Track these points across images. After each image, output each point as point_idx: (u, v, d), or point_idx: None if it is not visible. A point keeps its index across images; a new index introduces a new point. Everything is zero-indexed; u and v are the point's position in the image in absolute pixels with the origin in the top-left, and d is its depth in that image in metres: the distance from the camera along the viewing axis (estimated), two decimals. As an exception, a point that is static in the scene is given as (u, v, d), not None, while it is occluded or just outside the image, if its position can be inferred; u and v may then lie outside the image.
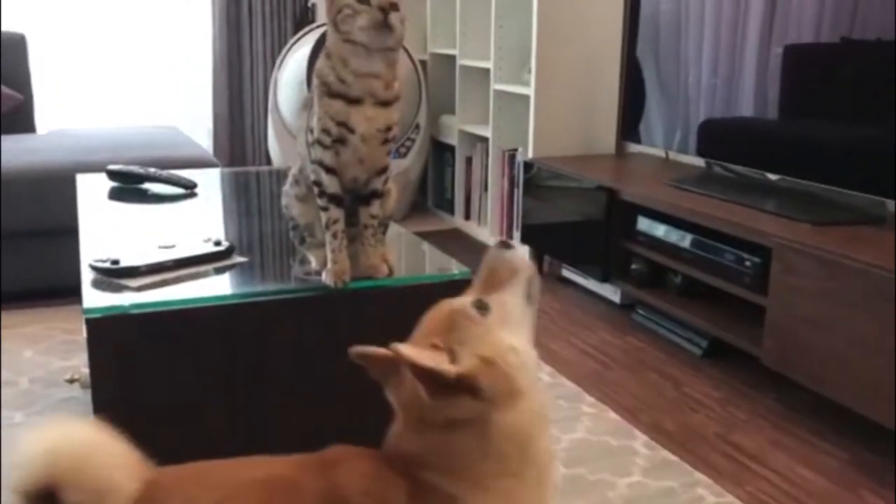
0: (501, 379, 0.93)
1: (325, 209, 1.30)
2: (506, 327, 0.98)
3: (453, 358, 0.94)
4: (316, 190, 1.30)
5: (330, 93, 1.24)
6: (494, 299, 1.00)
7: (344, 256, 1.31)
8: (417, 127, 3.92)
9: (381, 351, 1.01)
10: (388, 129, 1.27)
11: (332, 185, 1.28)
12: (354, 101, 1.24)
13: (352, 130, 1.24)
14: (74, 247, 1.61)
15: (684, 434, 2.00)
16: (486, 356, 0.94)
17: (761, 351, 2.11)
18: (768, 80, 2.43)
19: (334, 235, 1.30)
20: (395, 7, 1.21)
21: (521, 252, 0.95)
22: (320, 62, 1.27)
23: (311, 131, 1.29)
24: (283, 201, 1.44)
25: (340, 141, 1.25)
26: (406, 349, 0.91)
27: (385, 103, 1.26)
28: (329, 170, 1.27)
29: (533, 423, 0.96)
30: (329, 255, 1.31)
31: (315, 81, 1.27)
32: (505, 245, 1.07)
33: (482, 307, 0.99)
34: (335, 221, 1.30)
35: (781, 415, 2.11)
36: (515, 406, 0.94)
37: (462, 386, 0.92)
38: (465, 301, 1.00)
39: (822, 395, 1.96)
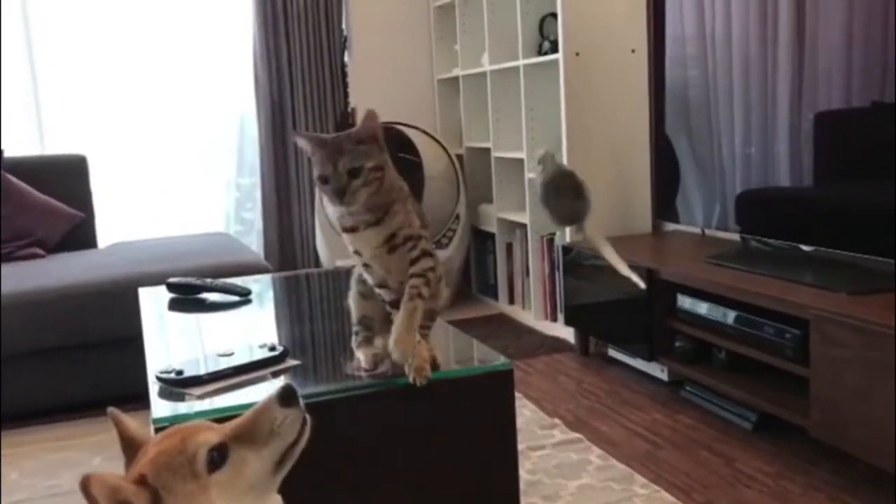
0: None
1: (392, 311, 1.41)
2: (229, 490, 0.90)
3: (156, 500, 0.88)
4: (381, 301, 1.43)
5: (341, 227, 1.37)
6: (237, 453, 0.92)
7: (422, 351, 1.39)
8: (457, 217, 4.05)
9: (128, 426, 0.97)
10: (392, 237, 1.36)
11: (387, 295, 1.40)
12: (352, 231, 1.36)
13: (361, 255, 1.38)
14: (136, 355, 1.73)
15: (738, 511, 2.00)
16: None
17: (809, 423, 2.12)
18: (801, 150, 2.49)
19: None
20: (355, 174, 1.29)
21: (297, 414, 0.98)
22: None
23: None
24: (349, 294, 1.55)
25: (365, 265, 1.39)
26: (97, 484, 0.85)
27: (376, 223, 1.35)
28: (379, 286, 1.40)
29: None
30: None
31: None
32: (287, 397, 0.98)
33: (218, 458, 0.91)
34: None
35: (838, 486, 2.09)
36: None
37: None
38: (205, 441, 0.92)
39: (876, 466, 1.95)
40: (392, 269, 1.39)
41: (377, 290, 1.40)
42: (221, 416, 1.31)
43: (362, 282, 1.48)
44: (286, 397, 0.97)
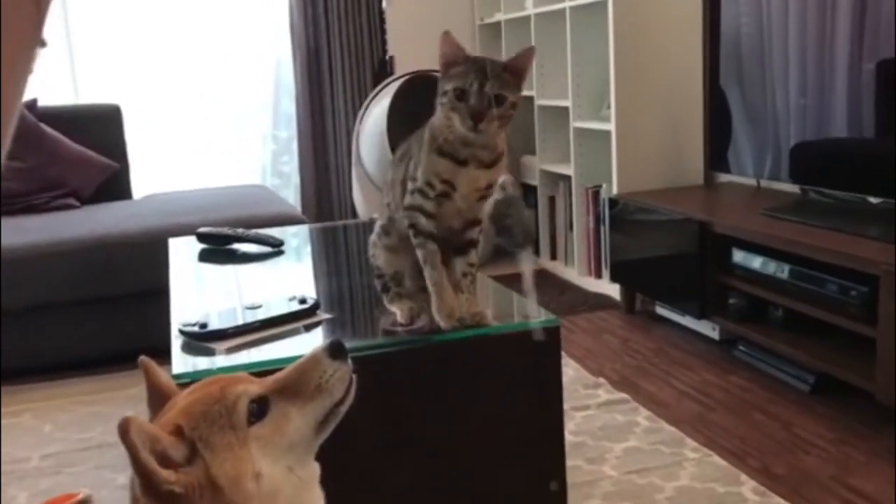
0: None
1: (421, 245, 1.29)
2: (269, 446, 0.85)
3: (192, 455, 0.82)
4: (412, 231, 1.31)
5: (439, 150, 1.26)
6: (279, 407, 0.87)
7: (450, 293, 1.30)
8: (499, 170, 3.91)
9: (160, 376, 0.91)
10: (489, 186, 1.30)
11: (428, 226, 1.29)
12: (460, 163, 1.25)
13: (454, 188, 1.27)
14: (169, 307, 1.65)
15: (797, 478, 1.89)
16: (217, 476, 0.81)
17: (874, 386, 1.98)
18: (862, 97, 2.32)
19: (433, 267, 1.29)
20: (498, 101, 1.21)
21: (346, 369, 0.90)
22: (436, 118, 1.28)
23: (413, 179, 1.29)
24: (370, 251, 1.44)
25: (444, 195, 1.27)
26: (137, 430, 0.78)
27: (488, 165, 1.27)
28: (429, 215, 1.28)
29: None
30: (432, 290, 1.30)
31: (427, 134, 1.29)
32: (337, 352, 0.91)
33: (258, 411, 0.85)
34: (433, 254, 1.29)
35: (904, 454, 1.97)
36: None
37: (170, 501, 0.80)
38: (244, 392, 0.86)
39: (949, 432, 1.82)
40: (462, 212, 1.30)
41: (422, 220, 1.28)
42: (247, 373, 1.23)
43: (387, 233, 1.38)
44: (335, 351, 0.90)
